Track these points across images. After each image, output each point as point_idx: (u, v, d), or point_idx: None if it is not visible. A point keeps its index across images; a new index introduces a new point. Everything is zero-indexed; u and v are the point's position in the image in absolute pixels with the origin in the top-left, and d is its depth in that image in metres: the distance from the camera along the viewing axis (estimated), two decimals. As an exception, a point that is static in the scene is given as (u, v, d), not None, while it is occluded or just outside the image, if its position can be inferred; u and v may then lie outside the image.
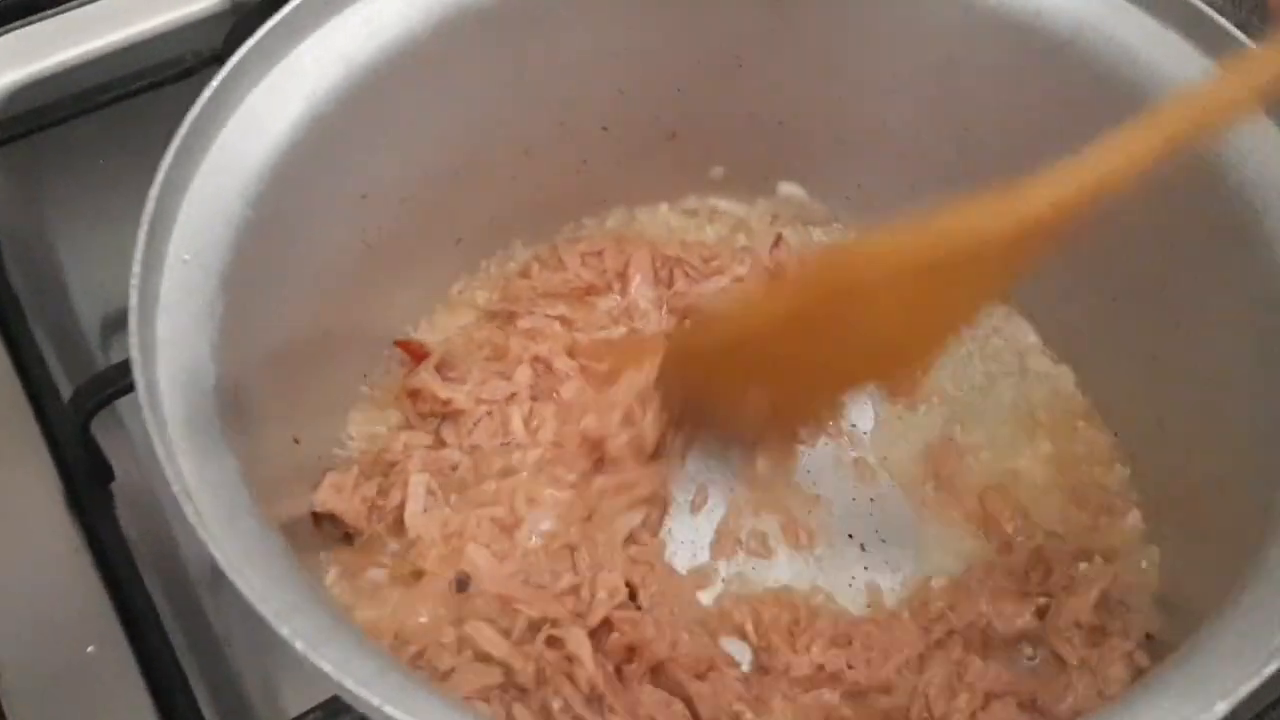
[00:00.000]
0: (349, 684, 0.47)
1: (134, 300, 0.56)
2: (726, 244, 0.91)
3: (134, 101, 0.89)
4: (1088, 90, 0.73)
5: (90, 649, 0.72)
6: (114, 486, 0.81)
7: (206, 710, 0.70)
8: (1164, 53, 0.69)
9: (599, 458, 0.78)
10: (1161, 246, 0.72)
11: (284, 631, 0.48)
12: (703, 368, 0.73)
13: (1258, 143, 0.65)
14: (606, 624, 0.70)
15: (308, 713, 0.66)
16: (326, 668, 0.47)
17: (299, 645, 0.48)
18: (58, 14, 0.94)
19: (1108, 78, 0.71)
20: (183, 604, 0.79)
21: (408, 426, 0.80)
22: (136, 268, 0.57)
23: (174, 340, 0.58)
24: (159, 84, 0.89)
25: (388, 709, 0.46)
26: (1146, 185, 0.70)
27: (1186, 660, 0.50)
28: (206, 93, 0.64)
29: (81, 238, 0.98)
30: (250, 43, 0.65)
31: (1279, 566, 0.53)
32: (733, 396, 0.71)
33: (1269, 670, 0.47)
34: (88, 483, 0.80)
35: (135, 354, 0.55)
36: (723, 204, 0.93)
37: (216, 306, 0.61)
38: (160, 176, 0.61)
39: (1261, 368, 0.64)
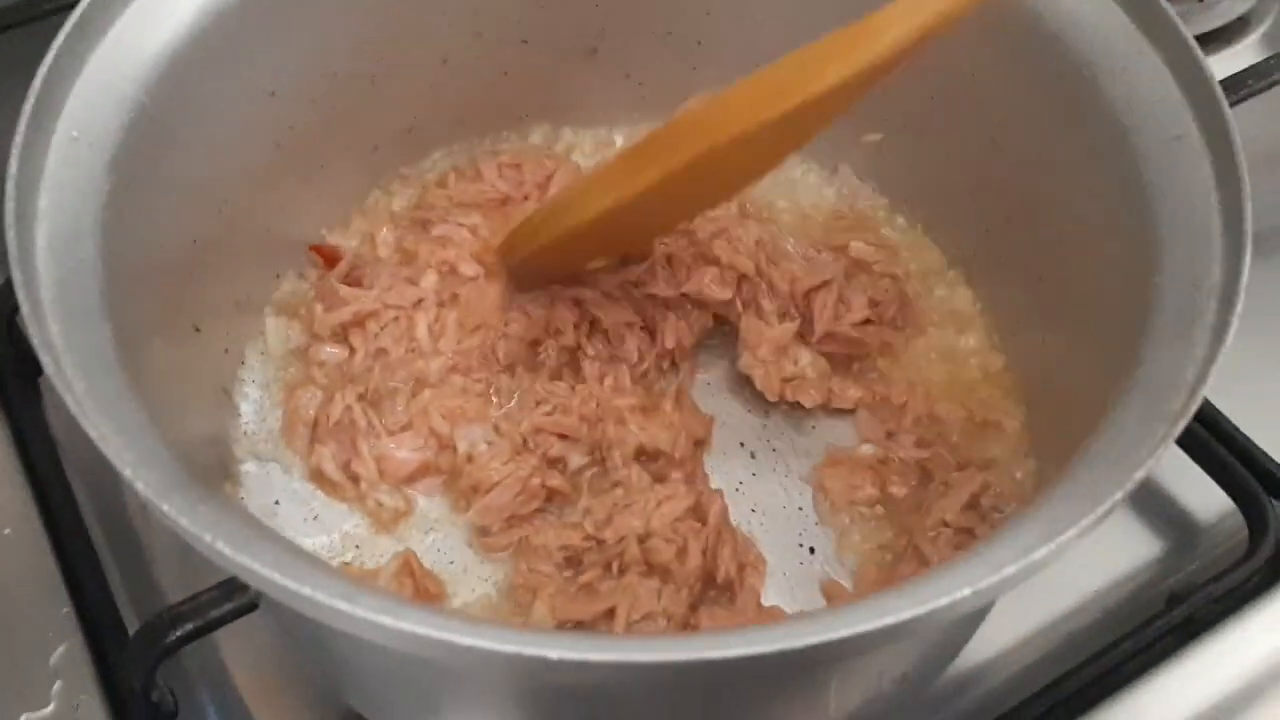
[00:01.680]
0: (185, 524, 0.49)
1: (13, 168, 0.58)
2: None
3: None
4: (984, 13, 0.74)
5: (6, 531, 0.76)
6: (42, 382, 0.83)
7: (118, 592, 0.74)
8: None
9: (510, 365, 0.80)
10: (1044, 170, 0.74)
11: (126, 473, 0.49)
12: (550, 250, 0.76)
13: (1131, 61, 0.67)
14: None
15: (204, 591, 0.68)
16: (166, 509, 0.49)
17: (139, 487, 0.49)
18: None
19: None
20: (104, 501, 0.81)
21: (314, 338, 0.82)
22: (19, 138, 0.59)
23: (54, 212, 0.60)
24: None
25: (220, 545, 0.48)
26: (1029, 112, 0.72)
27: (997, 535, 0.52)
28: (104, -26, 0.65)
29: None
30: (152, -71, 0.67)
31: (1096, 454, 0.54)
32: (579, 262, 0.79)
33: (1066, 539, 0.48)
34: (15, 376, 0.82)
35: (10, 218, 0.57)
36: (645, 125, 0.94)
37: (103, 185, 0.62)
38: (51, 54, 0.62)
39: (1121, 277, 0.65)
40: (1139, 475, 0.50)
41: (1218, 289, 0.59)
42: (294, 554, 0.50)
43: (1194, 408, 0.53)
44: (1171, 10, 0.67)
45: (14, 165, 0.58)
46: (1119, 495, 0.49)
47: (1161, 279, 0.61)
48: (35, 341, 0.53)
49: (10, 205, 0.57)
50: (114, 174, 0.63)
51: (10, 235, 0.56)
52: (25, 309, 0.54)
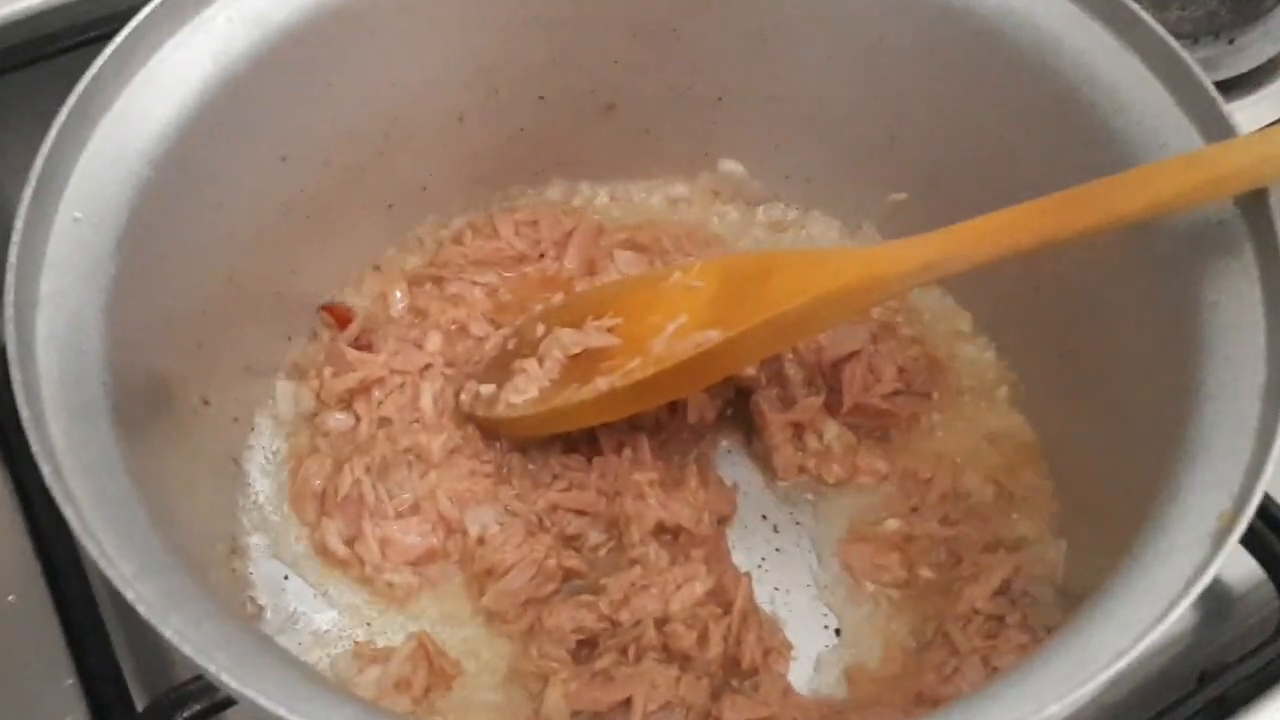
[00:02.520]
0: (189, 651, 0.47)
1: (13, 257, 0.56)
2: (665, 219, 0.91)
3: (88, 51, 0.89)
4: (1012, 76, 0.72)
5: (11, 598, 0.74)
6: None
7: (124, 660, 0.71)
8: (1087, 42, 0.68)
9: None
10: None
11: (129, 594, 0.48)
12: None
13: (1169, 136, 0.65)
14: None
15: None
16: (168, 633, 0.47)
17: (141, 610, 0.48)
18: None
19: (1032, 65, 0.70)
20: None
21: (321, 404, 0.80)
22: (19, 224, 0.57)
23: (56, 298, 0.58)
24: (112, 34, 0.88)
25: (224, 677, 0.46)
26: (1058, 178, 0.69)
27: (1033, 661, 0.49)
28: (108, 49, 0.63)
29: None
30: (157, 1, 0.65)
31: (1136, 576, 0.52)
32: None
33: (1104, 678, 0.47)
34: (19, 432, 0.80)
35: (9, 310, 0.55)
36: (661, 178, 0.92)
37: (108, 266, 0.60)
38: (53, 133, 0.60)
39: (1159, 366, 0.63)
40: (1173, 615, 0.48)
41: (1261, 389, 0.56)
42: (299, 679, 0.48)
43: (1237, 532, 0.51)
44: (1213, 90, 0.64)
45: (14, 252, 0.57)
46: (1154, 635, 0.48)
47: (1200, 375, 0.58)
48: (35, 449, 0.51)
49: (10, 296, 0.55)
50: (119, 255, 0.61)
51: (9, 330, 0.55)
52: (25, 415, 0.52)
